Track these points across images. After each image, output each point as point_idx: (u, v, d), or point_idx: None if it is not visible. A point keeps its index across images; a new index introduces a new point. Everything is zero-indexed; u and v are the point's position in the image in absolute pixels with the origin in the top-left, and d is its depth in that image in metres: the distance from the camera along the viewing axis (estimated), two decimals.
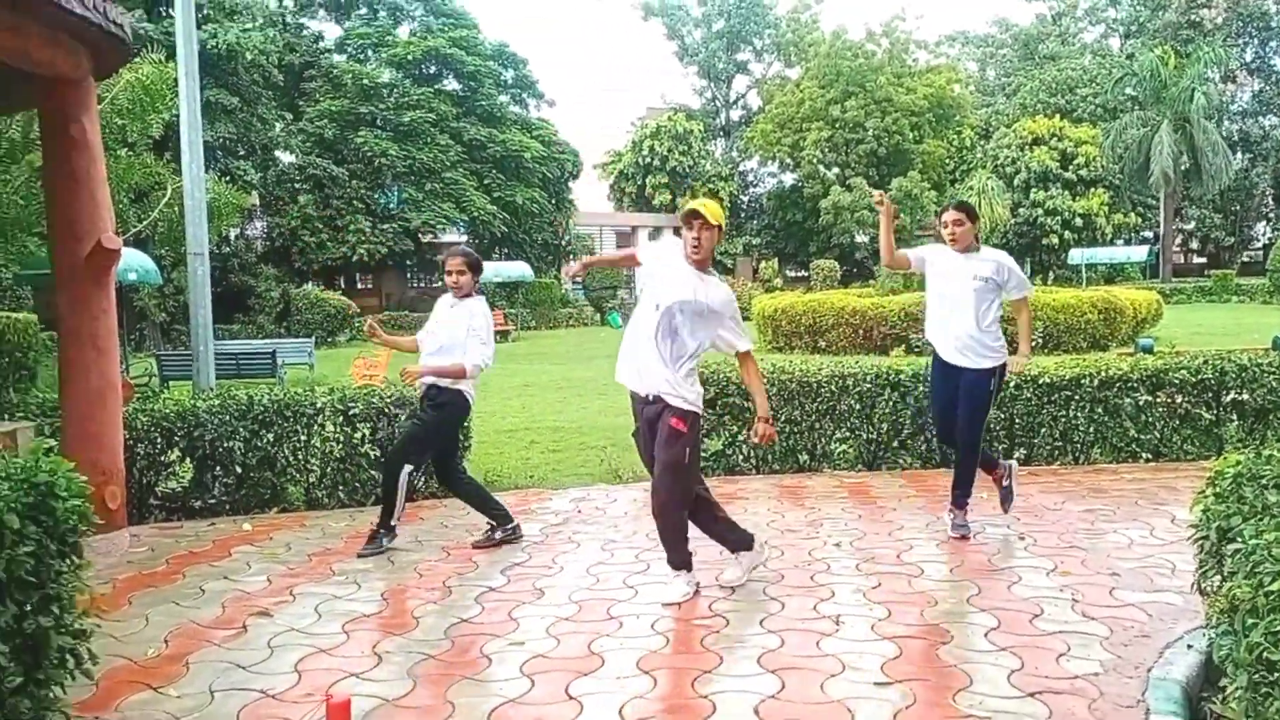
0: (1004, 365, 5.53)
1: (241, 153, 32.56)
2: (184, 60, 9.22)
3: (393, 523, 5.64)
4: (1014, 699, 3.38)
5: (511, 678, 3.71)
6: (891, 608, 4.35)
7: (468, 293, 5.65)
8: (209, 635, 4.24)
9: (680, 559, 4.64)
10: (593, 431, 10.39)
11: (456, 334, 5.54)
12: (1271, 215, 56.14)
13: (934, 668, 3.67)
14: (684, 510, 4.62)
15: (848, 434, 7.66)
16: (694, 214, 4.47)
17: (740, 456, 7.63)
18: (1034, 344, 18.65)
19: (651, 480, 4.61)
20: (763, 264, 49.02)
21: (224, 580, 5.07)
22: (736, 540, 4.84)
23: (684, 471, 4.51)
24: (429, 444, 5.75)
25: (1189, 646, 3.74)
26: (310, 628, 4.32)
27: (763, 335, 22.60)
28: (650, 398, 4.52)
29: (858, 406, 7.60)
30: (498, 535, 5.71)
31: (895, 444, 7.63)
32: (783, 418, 7.53)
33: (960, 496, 5.59)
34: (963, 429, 5.52)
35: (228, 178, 25.05)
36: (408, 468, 5.60)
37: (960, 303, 5.46)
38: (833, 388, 7.58)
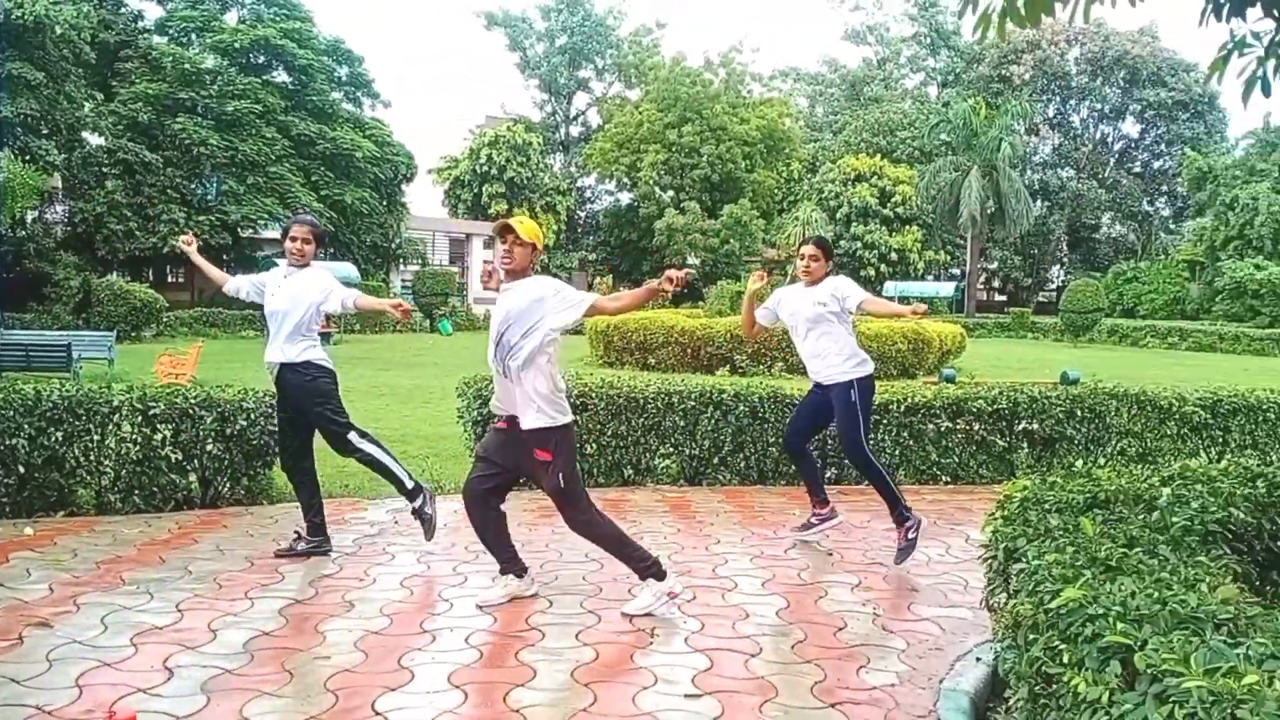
0: (865, 378, 5.72)
1: (44, 131, 30.21)
2: None
3: (410, 485, 5.50)
4: (817, 709, 3.49)
5: (314, 693, 3.56)
6: (705, 620, 4.43)
7: (308, 263, 5.45)
8: None
9: (642, 564, 4.58)
10: (414, 440, 10.15)
11: (300, 299, 5.34)
12: (1065, 260, 60.84)
13: (743, 679, 3.76)
14: (600, 518, 4.59)
15: (671, 450, 7.77)
16: (505, 228, 4.54)
17: None
18: None
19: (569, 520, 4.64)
20: (597, 280, 49.39)
21: None
22: (509, 561, 4.77)
23: (574, 489, 4.51)
24: (340, 409, 5.55)
25: (977, 659, 3.97)
26: (95, 640, 4.02)
27: (594, 350, 22.72)
28: (510, 418, 4.55)
29: (682, 423, 7.73)
30: (301, 546, 5.48)
31: (716, 460, 7.80)
32: (609, 432, 7.57)
33: (897, 515, 5.59)
34: (847, 450, 5.78)
35: (26, 157, 23.28)
36: (354, 434, 5.44)
37: (810, 328, 5.69)
38: (659, 404, 7.68)
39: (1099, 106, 59.93)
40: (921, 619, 4.52)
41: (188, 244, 5.90)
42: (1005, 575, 3.44)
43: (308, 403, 5.43)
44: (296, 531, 5.57)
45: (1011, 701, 3.12)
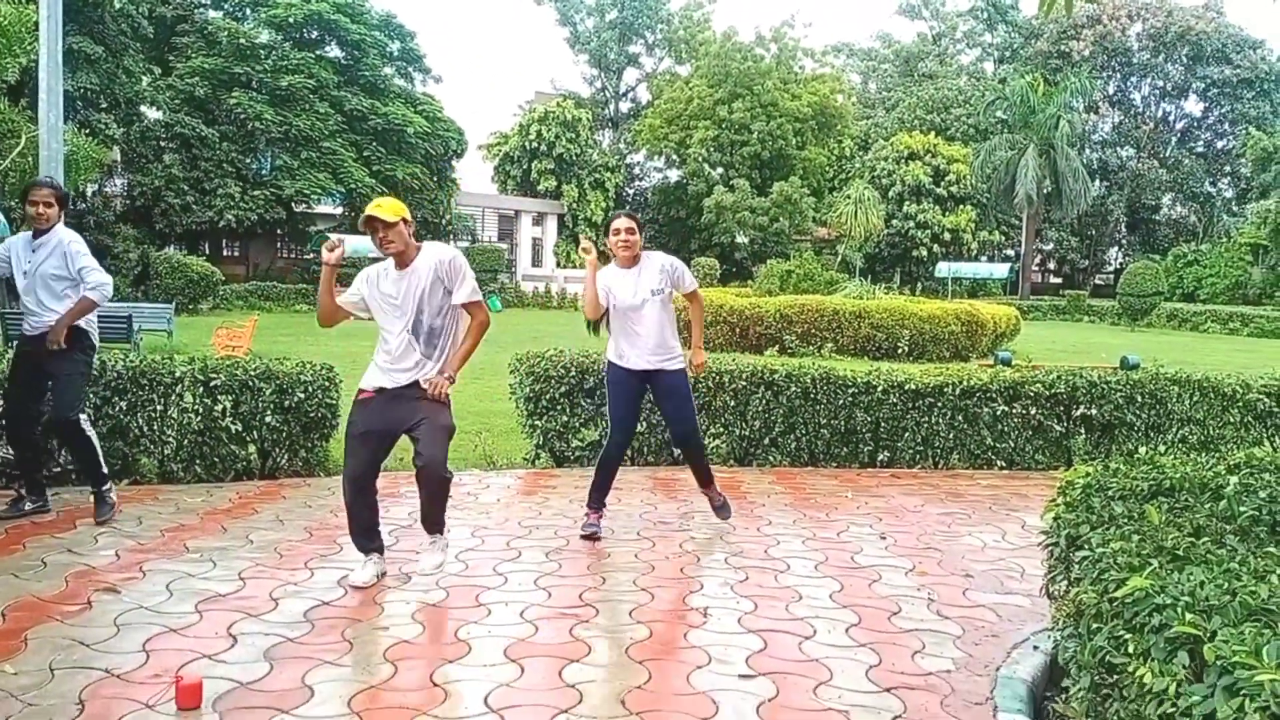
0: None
1: (104, 105, 30.80)
2: (46, 2, 8.66)
3: (105, 472, 5.50)
4: (872, 693, 3.48)
5: (374, 663, 3.62)
6: (758, 601, 4.43)
7: (53, 226, 5.42)
8: (50, 610, 3.99)
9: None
10: (467, 416, 10.21)
11: (48, 267, 5.36)
12: (1124, 242, 59.56)
13: (797, 661, 3.75)
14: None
15: (721, 430, 7.76)
16: (370, 219, 4.43)
17: None
18: (901, 351, 19.40)
19: (422, 452, 4.54)
20: None
21: (68, 554, 4.79)
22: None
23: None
24: (86, 387, 5.65)
25: (1035, 648, 3.93)
26: (161, 606, 4.12)
27: None
28: (410, 383, 4.55)
29: (732, 403, 7.71)
30: (28, 506, 5.54)
31: (767, 441, 7.77)
32: (659, 411, 7.56)
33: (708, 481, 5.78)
34: (693, 427, 5.66)
35: (87, 130, 23.72)
36: (84, 416, 5.49)
37: (644, 317, 5.44)
38: (709, 384, 7.66)
39: (1161, 84, 58.36)
40: (977, 605, 4.48)
41: None
42: (1067, 563, 3.39)
43: (75, 354, 5.41)
44: (19, 491, 5.64)
45: (1072, 691, 3.08)
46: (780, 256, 37.82)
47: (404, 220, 4.48)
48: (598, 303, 5.47)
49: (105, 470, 5.53)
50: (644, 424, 7.59)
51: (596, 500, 5.57)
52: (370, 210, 4.45)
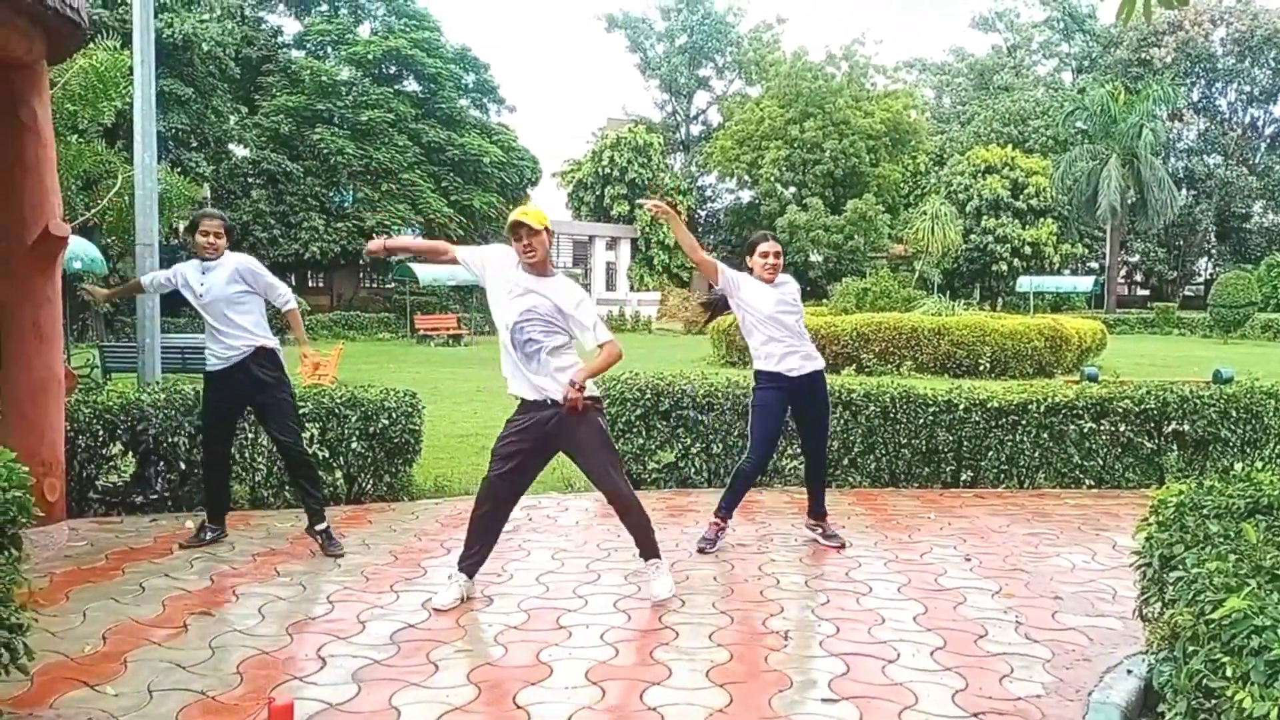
0: None
1: (194, 144, 32.06)
2: (140, 48, 9.03)
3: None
4: (959, 718, 3.41)
5: (458, 685, 3.67)
6: (840, 624, 4.38)
7: (222, 255, 5.63)
8: (148, 633, 4.14)
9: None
10: None
11: (225, 288, 5.53)
12: (1213, 252, 57.63)
13: (881, 685, 3.70)
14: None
15: (799, 450, 7.68)
16: (518, 224, 4.52)
17: (693, 469, 7.65)
18: (982, 368, 19.04)
19: (609, 486, 4.75)
20: None
21: (165, 578, 4.96)
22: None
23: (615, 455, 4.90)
24: (297, 410, 5.88)
25: (1129, 671, 3.81)
26: (253, 629, 4.24)
27: (717, 350, 22.72)
28: (549, 401, 4.64)
29: None
30: (208, 535, 5.67)
31: (845, 462, 7.69)
32: (735, 432, 7.55)
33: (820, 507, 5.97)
34: (824, 440, 6.00)
35: (179, 169, 24.67)
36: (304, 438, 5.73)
37: (799, 320, 5.76)
38: None
39: (1248, 89, 56.53)
40: (1067, 628, 4.37)
41: (88, 294, 6.17)
42: (1161, 584, 3.30)
43: (279, 380, 5.61)
44: (203, 522, 5.76)
45: (1168, 716, 2.99)
46: (856, 274, 37.44)
47: (547, 230, 4.60)
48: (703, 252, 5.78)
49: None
50: (719, 445, 7.59)
51: (725, 511, 5.81)
52: (517, 215, 4.56)
